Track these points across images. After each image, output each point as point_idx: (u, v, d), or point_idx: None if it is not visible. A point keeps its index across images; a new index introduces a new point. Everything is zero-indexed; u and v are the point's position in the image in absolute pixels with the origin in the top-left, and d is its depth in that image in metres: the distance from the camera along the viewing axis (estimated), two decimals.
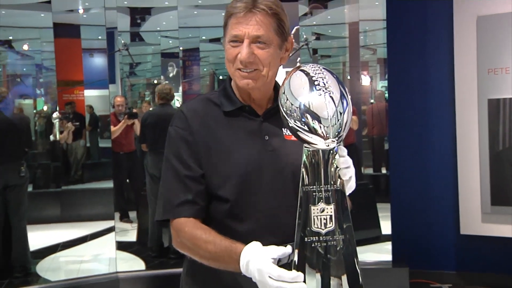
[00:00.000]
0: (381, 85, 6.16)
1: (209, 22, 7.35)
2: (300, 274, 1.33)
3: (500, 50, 4.37)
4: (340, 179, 1.41)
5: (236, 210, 1.54)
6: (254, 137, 1.58)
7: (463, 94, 4.56)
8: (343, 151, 1.42)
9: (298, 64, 1.51)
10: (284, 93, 1.42)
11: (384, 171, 5.35)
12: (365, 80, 5.89)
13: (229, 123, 1.59)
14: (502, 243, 4.51)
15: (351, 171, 1.44)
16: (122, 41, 5.87)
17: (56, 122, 5.62)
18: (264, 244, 1.45)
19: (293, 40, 1.63)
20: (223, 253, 1.45)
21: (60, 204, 5.63)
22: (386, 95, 6.01)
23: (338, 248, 1.38)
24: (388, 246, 4.44)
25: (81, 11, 5.87)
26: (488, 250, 4.61)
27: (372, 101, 5.86)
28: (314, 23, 6.27)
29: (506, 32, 4.36)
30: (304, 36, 5.83)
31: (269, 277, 1.32)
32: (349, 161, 1.43)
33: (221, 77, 9.30)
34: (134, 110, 6.57)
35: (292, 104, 1.38)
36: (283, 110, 1.41)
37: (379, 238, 4.76)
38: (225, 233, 1.50)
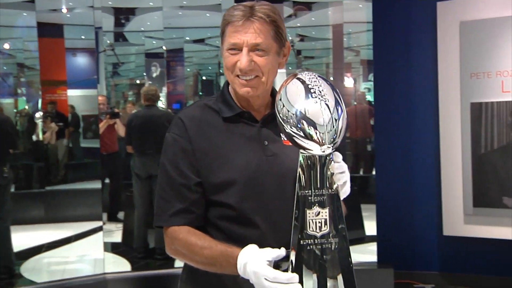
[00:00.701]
0: (364, 86, 6.24)
1: (194, 23, 7.36)
2: (295, 275, 1.36)
3: (483, 55, 4.47)
4: (335, 184, 1.45)
5: (240, 215, 1.56)
6: (254, 143, 1.61)
7: (446, 98, 4.65)
8: (338, 157, 1.47)
9: (294, 72, 1.55)
10: (280, 100, 1.46)
11: (361, 173, 5.45)
12: (349, 81, 5.97)
13: (228, 129, 1.61)
14: (484, 244, 4.61)
15: (346, 176, 1.49)
16: (108, 41, 5.87)
17: (39, 122, 5.60)
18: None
19: (290, 45, 1.66)
20: (220, 257, 1.48)
21: (44, 205, 5.61)
22: (368, 97, 6.10)
23: (333, 251, 1.42)
24: (373, 247, 4.51)
25: (64, 10, 5.85)
26: (470, 251, 4.71)
27: (354, 102, 5.93)
28: (298, 24, 6.33)
29: (488, 37, 4.46)
30: (290, 38, 5.89)
31: (265, 279, 1.35)
32: (344, 167, 1.48)
33: (204, 78, 9.31)
34: (116, 110, 6.57)
35: (288, 111, 1.43)
36: (280, 116, 1.45)
37: (363, 239, 4.83)
38: (228, 239, 1.53)
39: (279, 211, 1.57)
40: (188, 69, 8.33)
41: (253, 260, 1.40)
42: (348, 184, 1.53)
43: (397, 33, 4.97)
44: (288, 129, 1.43)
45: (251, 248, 1.44)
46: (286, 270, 1.41)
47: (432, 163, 4.78)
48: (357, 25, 5.71)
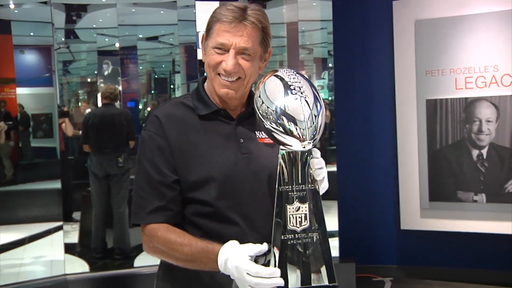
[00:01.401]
0: (317, 84, 6.32)
1: (148, 20, 7.29)
2: (277, 270, 1.39)
3: (437, 52, 4.61)
4: (315, 179, 1.48)
5: (216, 212, 1.57)
6: (230, 141, 1.62)
7: (402, 95, 4.77)
8: (317, 153, 1.50)
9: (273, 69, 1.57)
10: (259, 96, 1.48)
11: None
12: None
13: (204, 127, 1.62)
14: (439, 237, 4.75)
15: (324, 172, 1.52)
16: (62, 39, 5.74)
17: None
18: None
19: (271, 50, 1.68)
20: (200, 254, 1.48)
21: None
22: (322, 94, 6.18)
23: (314, 245, 1.45)
24: (335, 242, 4.58)
25: (12, 6, 5.70)
26: (427, 244, 4.85)
27: None
28: None
29: (442, 36, 4.59)
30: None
31: (247, 273, 1.37)
32: (322, 162, 1.51)
33: (157, 76, 9.22)
34: (65, 109, 6.44)
35: (268, 107, 1.44)
36: (259, 112, 1.47)
37: None
38: (206, 235, 1.54)
39: (255, 208, 1.59)
40: (141, 67, 8.25)
41: (235, 255, 1.41)
42: (326, 180, 1.56)
43: (355, 31, 5.06)
44: (268, 125, 1.45)
45: (232, 243, 1.45)
46: (266, 265, 1.43)
47: (390, 158, 4.90)
48: (311, 23, 5.77)
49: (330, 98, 5.53)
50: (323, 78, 6.09)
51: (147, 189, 1.58)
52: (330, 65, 5.49)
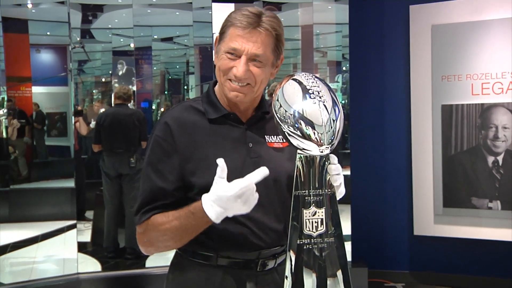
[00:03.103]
0: (331, 87, 6.31)
1: (163, 21, 7.32)
2: (265, 168, 1.42)
3: (454, 58, 4.58)
4: (332, 184, 1.48)
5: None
6: (239, 145, 1.62)
7: (418, 100, 4.75)
8: (334, 159, 1.50)
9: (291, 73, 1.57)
10: (278, 100, 1.48)
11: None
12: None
13: (213, 131, 1.61)
14: (453, 244, 4.72)
15: (341, 178, 1.53)
16: (78, 38, 5.78)
17: (3, 119, 5.49)
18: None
19: (283, 57, 1.67)
20: (188, 219, 1.49)
21: (8, 204, 5.49)
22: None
23: (330, 250, 1.45)
24: (347, 246, 4.56)
25: (29, 5, 5.74)
26: (440, 250, 4.82)
27: None
28: None
29: (459, 41, 4.57)
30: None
31: (239, 188, 1.39)
32: (339, 168, 1.51)
33: (171, 77, 9.25)
34: (79, 108, 6.48)
35: (286, 111, 1.44)
36: (277, 116, 1.47)
37: None
38: (210, 232, 1.53)
39: (264, 212, 1.58)
40: (155, 68, 8.28)
41: (217, 191, 1.42)
42: (343, 185, 1.56)
43: (371, 36, 5.04)
44: (285, 129, 1.45)
45: (208, 193, 1.46)
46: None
47: (404, 163, 4.87)
48: (326, 27, 5.76)
49: (343, 102, 5.52)
50: (337, 82, 6.08)
51: (148, 193, 1.59)
52: (344, 68, 5.48)
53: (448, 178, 4.63)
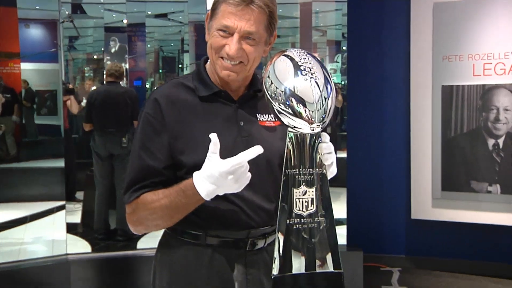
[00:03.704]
0: (330, 67, 6.29)
1: None
2: (258, 146, 1.42)
3: (455, 37, 4.57)
4: (323, 163, 1.48)
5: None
6: (230, 123, 1.62)
7: (418, 80, 4.75)
8: (326, 137, 1.50)
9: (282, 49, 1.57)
10: (268, 77, 1.49)
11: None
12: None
13: (204, 109, 1.62)
14: (451, 228, 4.76)
15: (333, 157, 1.53)
16: (67, 12, 5.74)
17: None
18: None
19: (276, 34, 1.67)
20: (178, 197, 1.50)
21: None
22: (334, 78, 6.16)
23: (320, 230, 1.46)
24: (342, 230, 4.59)
25: None
26: (437, 234, 4.85)
27: None
28: None
29: (461, 20, 4.55)
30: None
31: (231, 165, 1.40)
32: (331, 147, 1.51)
33: (166, 54, 9.21)
34: (70, 86, 6.46)
35: (277, 88, 1.45)
36: (268, 93, 1.48)
37: None
38: (200, 211, 1.54)
39: (254, 191, 1.59)
40: (149, 45, 8.24)
41: (209, 167, 1.43)
42: (335, 165, 1.57)
43: (369, 13, 5.02)
44: (276, 106, 1.46)
45: (199, 171, 1.46)
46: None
47: (402, 146, 4.88)
48: (325, 4, 5.74)
49: (343, 83, 5.51)
50: (337, 62, 6.07)
51: (137, 172, 1.59)
52: (344, 48, 5.47)
53: (447, 161, 4.65)
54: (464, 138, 4.58)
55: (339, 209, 4.54)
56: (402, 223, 4.95)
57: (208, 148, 1.44)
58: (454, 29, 4.57)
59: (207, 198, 1.46)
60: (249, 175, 1.43)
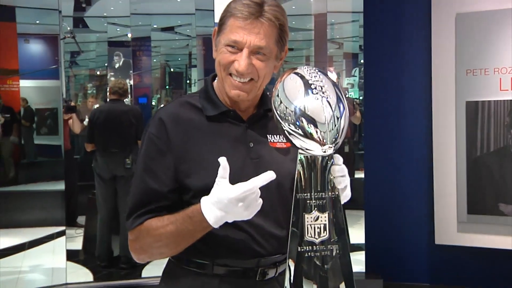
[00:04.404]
0: (347, 82, 6.30)
1: (163, 9, 7.36)
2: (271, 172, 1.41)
3: (480, 50, 4.57)
4: (336, 187, 1.49)
5: None
6: (239, 144, 1.62)
7: (440, 96, 4.74)
8: (339, 159, 1.51)
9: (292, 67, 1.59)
10: (278, 96, 1.50)
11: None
12: (332, 76, 6.03)
13: (211, 129, 1.62)
14: (478, 254, 4.72)
15: (347, 180, 1.53)
16: (68, 28, 5.82)
17: None
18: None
19: (288, 49, 1.68)
20: (185, 223, 1.49)
21: None
22: (352, 93, 6.17)
23: (333, 258, 1.46)
24: (360, 256, 4.58)
25: None
26: (464, 261, 4.81)
27: None
28: None
29: (486, 31, 4.55)
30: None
31: (242, 191, 1.39)
32: (344, 170, 1.52)
33: (172, 70, 9.28)
34: (72, 103, 6.52)
35: (286, 108, 1.47)
36: (277, 113, 1.49)
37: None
38: (209, 239, 1.54)
39: (264, 217, 1.58)
40: (155, 60, 8.31)
41: (218, 193, 1.43)
42: (349, 188, 1.58)
43: (388, 24, 5.04)
44: (285, 127, 1.47)
45: (208, 196, 1.46)
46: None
47: (424, 166, 4.87)
48: (341, 15, 5.78)
49: (361, 98, 5.52)
50: (354, 76, 6.08)
51: (140, 196, 1.60)
52: (362, 61, 5.49)
53: (473, 182, 4.62)
54: (491, 157, 4.56)
55: (357, 234, 4.54)
56: (425, 248, 4.92)
57: (216, 171, 1.44)
58: (478, 41, 4.57)
59: (215, 226, 1.46)
60: (260, 201, 1.43)
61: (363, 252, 4.62)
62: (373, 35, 5.02)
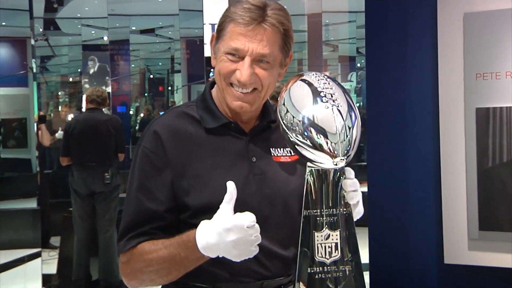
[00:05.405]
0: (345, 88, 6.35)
1: (142, 9, 7.36)
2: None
3: (490, 52, 4.61)
4: (347, 203, 1.51)
5: None
6: (240, 159, 1.63)
7: (448, 102, 4.78)
8: (350, 172, 1.53)
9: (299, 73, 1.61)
10: (284, 104, 1.52)
11: None
12: None
13: (211, 143, 1.63)
14: (491, 274, 4.74)
15: (359, 195, 1.54)
16: (40, 29, 5.83)
17: None
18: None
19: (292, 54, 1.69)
20: (178, 249, 1.50)
21: None
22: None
23: (346, 280, 1.48)
24: (364, 277, 4.59)
25: None
26: (475, 281, 4.83)
27: None
28: None
29: (497, 32, 4.60)
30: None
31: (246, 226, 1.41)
32: (356, 184, 1.53)
33: (153, 75, 9.28)
34: (41, 113, 6.52)
35: (294, 117, 1.48)
36: (283, 123, 1.51)
37: None
38: (210, 262, 1.54)
39: (269, 237, 1.59)
40: (134, 65, 8.30)
41: (215, 218, 1.43)
42: (361, 204, 1.59)
43: (390, 25, 5.07)
44: (293, 137, 1.49)
45: (204, 222, 1.46)
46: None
47: (431, 178, 4.89)
48: (337, 15, 5.82)
49: (358, 104, 5.55)
50: (350, 80, 6.12)
51: (134, 216, 1.60)
52: (359, 65, 5.52)
53: (484, 196, 4.65)
54: (504, 168, 4.60)
55: (360, 253, 4.56)
56: (434, 268, 4.93)
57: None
58: (489, 43, 4.62)
59: (204, 252, 1.44)
60: (256, 249, 1.43)
61: (367, 273, 4.63)
62: (375, 36, 5.05)
